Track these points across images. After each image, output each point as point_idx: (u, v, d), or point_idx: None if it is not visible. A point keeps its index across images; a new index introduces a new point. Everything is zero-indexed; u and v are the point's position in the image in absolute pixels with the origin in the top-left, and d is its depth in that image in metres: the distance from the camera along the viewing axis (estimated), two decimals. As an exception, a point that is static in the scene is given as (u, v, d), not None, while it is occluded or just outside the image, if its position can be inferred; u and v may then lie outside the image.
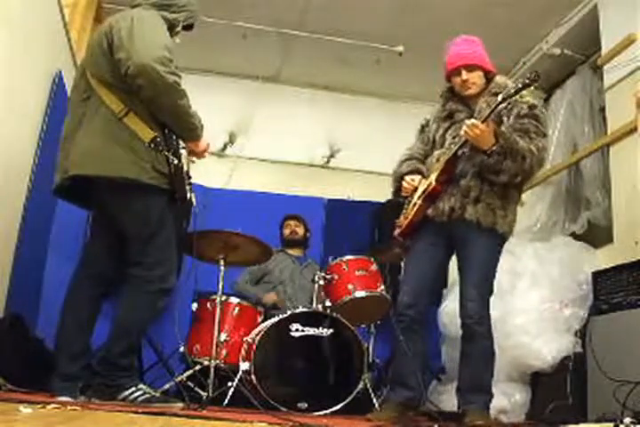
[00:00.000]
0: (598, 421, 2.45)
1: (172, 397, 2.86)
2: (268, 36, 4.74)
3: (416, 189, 2.75)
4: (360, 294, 3.55)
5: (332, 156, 5.52)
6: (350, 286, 3.57)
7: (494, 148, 2.50)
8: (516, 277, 3.74)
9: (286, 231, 4.40)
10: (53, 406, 1.76)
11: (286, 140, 5.41)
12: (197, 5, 2.64)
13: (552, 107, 4.68)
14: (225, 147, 5.37)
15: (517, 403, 3.39)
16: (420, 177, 2.77)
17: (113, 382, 2.34)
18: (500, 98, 2.47)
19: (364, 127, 5.48)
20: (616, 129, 3.70)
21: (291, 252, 4.37)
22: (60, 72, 3.52)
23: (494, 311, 2.65)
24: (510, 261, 3.93)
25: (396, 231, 2.83)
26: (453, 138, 2.72)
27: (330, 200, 5.19)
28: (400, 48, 4.77)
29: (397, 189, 2.86)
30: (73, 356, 2.38)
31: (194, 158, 2.62)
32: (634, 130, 3.45)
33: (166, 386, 3.30)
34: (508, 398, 3.38)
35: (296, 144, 5.45)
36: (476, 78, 2.72)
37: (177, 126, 2.44)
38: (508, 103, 2.51)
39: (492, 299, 2.65)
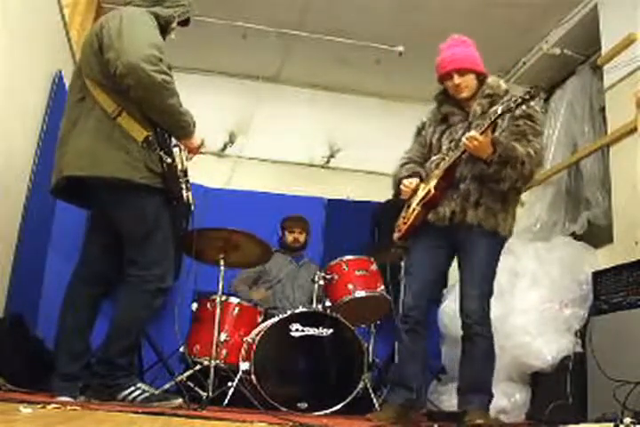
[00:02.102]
0: (598, 421, 2.45)
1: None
2: (267, 36, 4.73)
3: (415, 191, 2.76)
4: (360, 293, 3.55)
5: (331, 156, 5.52)
6: (350, 286, 3.58)
7: (493, 157, 2.50)
8: (516, 277, 3.73)
9: (289, 238, 4.29)
10: (53, 406, 1.76)
11: (286, 140, 5.41)
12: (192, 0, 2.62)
13: (552, 107, 4.68)
14: (225, 147, 5.37)
15: (517, 403, 3.39)
16: (417, 180, 2.77)
17: (112, 381, 2.34)
18: (499, 111, 2.46)
19: (363, 127, 5.47)
20: (616, 129, 3.70)
21: (289, 253, 4.35)
22: (60, 72, 3.51)
23: (494, 311, 2.65)
24: (510, 261, 3.92)
25: (396, 235, 2.84)
26: (450, 142, 2.73)
27: (330, 200, 5.17)
28: (400, 48, 4.76)
29: (397, 193, 2.87)
30: (73, 356, 2.38)
31: (190, 155, 2.60)
32: (634, 130, 3.46)
33: (166, 386, 3.29)
34: (507, 398, 3.38)
35: (296, 144, 5.44)
36: (469, 81, 2.71)
37: (168, 125, 2.43)
38: (502, 103, 2.51)
39: (491, 299, 2.65)
